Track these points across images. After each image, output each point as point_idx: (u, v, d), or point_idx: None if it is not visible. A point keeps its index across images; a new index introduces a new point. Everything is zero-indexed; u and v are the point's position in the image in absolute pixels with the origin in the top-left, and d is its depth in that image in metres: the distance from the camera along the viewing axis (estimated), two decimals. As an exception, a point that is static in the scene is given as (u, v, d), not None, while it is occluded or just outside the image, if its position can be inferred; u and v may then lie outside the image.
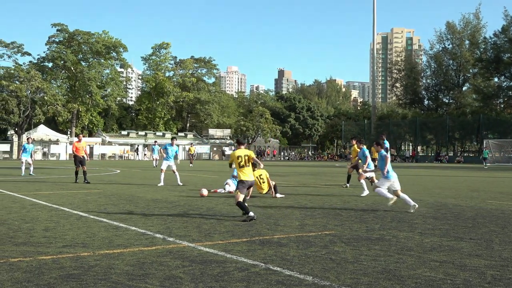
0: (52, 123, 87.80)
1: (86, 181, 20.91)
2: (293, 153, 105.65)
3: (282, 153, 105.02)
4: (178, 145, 38.92)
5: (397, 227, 9.58)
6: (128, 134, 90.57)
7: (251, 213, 10.13)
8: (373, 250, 7.32)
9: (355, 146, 18.73)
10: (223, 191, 16.67)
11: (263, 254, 6.96)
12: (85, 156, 21.93)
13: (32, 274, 5.76)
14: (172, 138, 21.47)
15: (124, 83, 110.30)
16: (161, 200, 14.11)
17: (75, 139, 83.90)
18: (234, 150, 11.06)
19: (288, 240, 8.09)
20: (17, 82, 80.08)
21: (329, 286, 5.41)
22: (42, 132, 79.45)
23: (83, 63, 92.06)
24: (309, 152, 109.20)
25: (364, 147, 17.01)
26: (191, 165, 44.76)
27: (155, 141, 49.41)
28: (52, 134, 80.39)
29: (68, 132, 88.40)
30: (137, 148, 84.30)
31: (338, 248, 7.46)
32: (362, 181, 16.06)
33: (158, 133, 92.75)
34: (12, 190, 17.26)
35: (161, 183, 19.89)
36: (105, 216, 10.61)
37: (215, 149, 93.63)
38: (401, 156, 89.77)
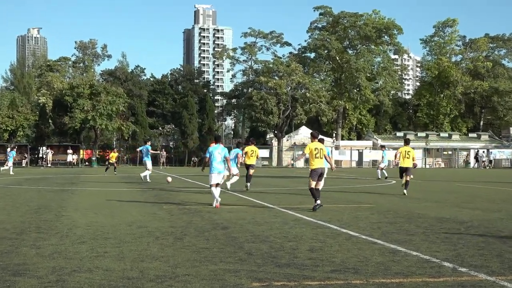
0: (315, 124, 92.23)
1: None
2: None
3: None
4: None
5: None
6: (404, 136, 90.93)
7: (318, 201, 15.38)
8: None
9: None
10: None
11: None
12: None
13: (297, 301, 6.14)
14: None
15: (399, 72, 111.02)
16: (449, 219, 13.83)
17: (341, 142, 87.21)
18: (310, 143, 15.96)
19: None
20: (276, 77, 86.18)
21: None
22: (304, 135, 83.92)
23: (349, 51, 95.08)
24: None
25: None
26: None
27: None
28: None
29: (334, 134, 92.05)
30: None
31: None
32: None
33: (442, 134, 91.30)
34: (273, 202, 18.63)
35: None
36: (379, 237, 10.81)
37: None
38: None
